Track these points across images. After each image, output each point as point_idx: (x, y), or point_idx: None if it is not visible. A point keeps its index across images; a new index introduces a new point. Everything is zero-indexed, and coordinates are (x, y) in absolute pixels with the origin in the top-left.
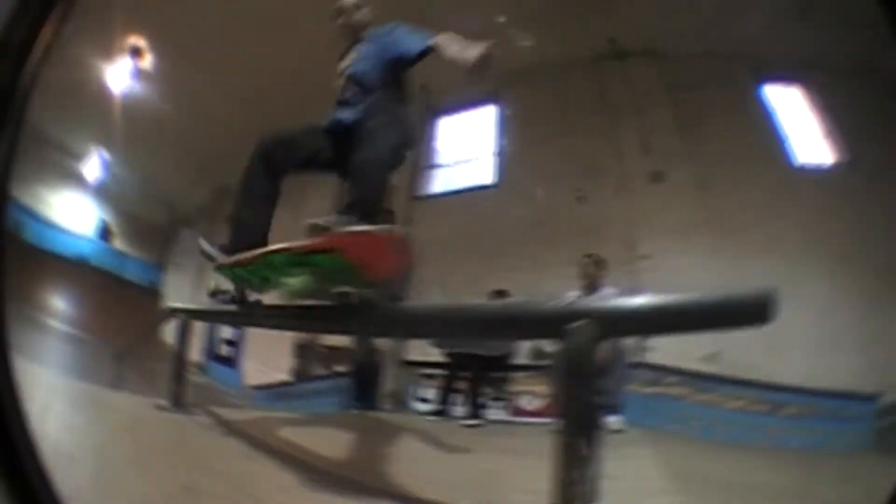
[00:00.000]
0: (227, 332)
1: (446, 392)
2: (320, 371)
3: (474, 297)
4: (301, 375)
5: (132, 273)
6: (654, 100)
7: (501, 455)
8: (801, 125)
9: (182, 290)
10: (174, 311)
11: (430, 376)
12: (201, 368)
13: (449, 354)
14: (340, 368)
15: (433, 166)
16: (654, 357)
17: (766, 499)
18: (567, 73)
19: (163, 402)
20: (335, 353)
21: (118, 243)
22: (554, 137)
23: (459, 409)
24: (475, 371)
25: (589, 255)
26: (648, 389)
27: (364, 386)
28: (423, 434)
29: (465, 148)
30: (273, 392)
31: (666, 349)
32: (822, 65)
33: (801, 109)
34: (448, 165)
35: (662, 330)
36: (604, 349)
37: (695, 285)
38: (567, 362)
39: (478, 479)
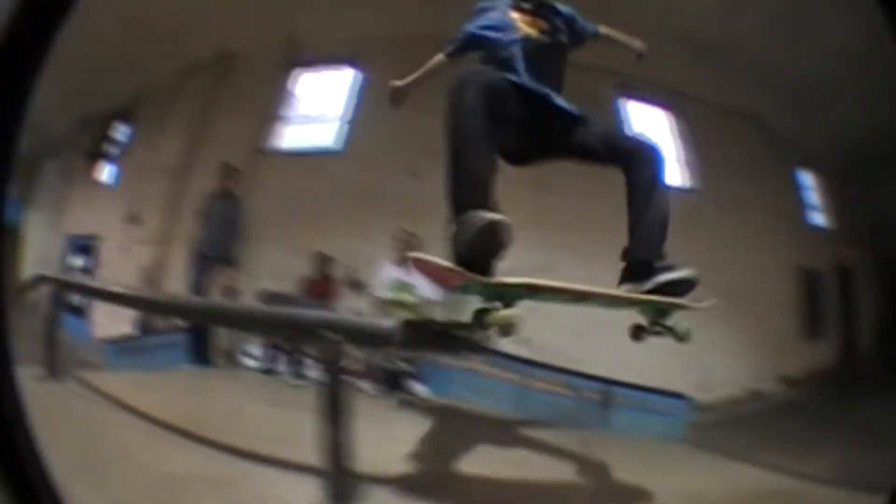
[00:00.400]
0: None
1: (273, 350)
2: (160, 325)
3: (301, 257)
4: (144, 328)
5: None
6: None
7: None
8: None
9: (40, 230)
10: (42, 280)
11: None
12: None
13: None
14: (179, 323)
15: (284, 119)
16: None
17: (538, 471)
18: (429, 48)
19: (38, 370)
20: None
21: None
22: (404, 113)
23: (284, 368)
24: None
25: (406, 232)
26: (458, 363)
27: (199, 341)
28: (251, 391)
29: (319, 107)
30: (119, 346)
31: None
32: (696, 97)
33: (665, 133)
34: (299, 122)
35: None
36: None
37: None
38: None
39: (290, 435)
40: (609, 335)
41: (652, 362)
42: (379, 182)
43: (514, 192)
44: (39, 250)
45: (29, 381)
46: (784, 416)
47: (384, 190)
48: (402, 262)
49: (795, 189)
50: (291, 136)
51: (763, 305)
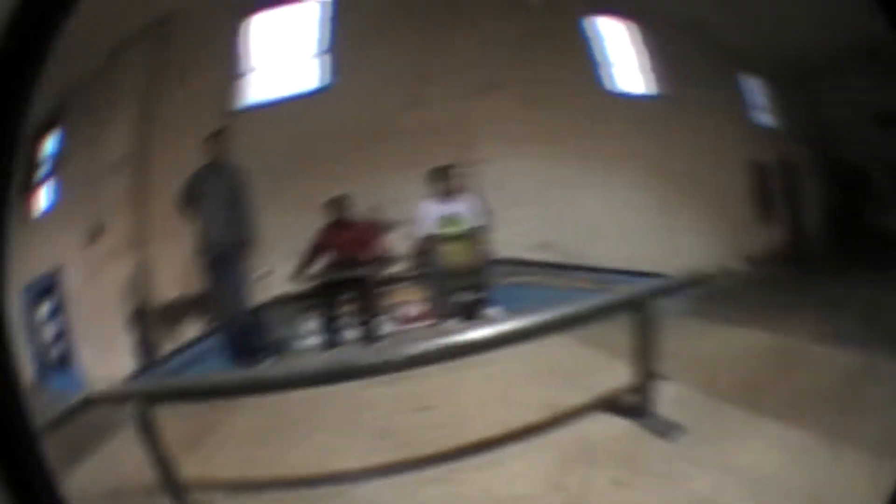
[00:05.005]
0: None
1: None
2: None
3: (312, 211)
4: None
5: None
6: (491, 13)
7: None
8: (623, 57)
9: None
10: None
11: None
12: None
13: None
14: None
15: (246, 72)
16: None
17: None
18: None
19: None
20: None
21: None
22: (387, 40)
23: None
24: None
25: (451, 167)
26: (510, 280)
27: (243, 340)
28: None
29: (283, 49)
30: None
31: (502, 241)
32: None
33: (626, 43)
34: (263, 69)
35: None
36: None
37: (527, 189)
38: None
39: None
40: (615, 235)
41: (645, 255)
42: (380, 114)
43: None
44: None
45: None
46: (756, 290)
47: (387, 122)
48: (448, 196)
49: (741, 91)
50: (260, 85)
51: (722, 193)
